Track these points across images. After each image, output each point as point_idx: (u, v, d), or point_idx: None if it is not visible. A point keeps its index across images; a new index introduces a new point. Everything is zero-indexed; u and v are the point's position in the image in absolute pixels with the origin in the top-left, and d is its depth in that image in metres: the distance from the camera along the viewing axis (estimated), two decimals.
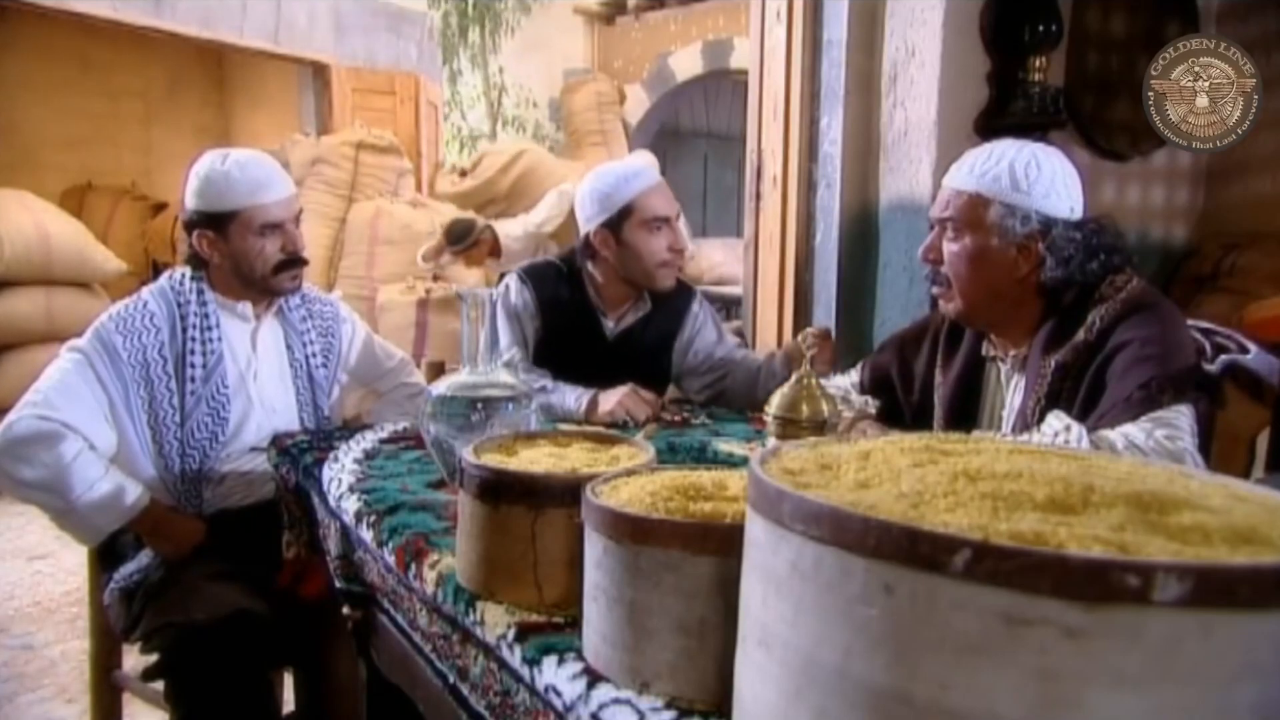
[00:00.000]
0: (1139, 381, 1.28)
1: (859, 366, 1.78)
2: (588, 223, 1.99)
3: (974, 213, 1.40)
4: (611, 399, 1.83)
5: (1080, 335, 1.38)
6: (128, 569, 1.75)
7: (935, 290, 1.51)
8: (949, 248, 1.45)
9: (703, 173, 8.83)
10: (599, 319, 2.05)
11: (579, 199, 2.03)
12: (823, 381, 1.30)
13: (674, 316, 2.11)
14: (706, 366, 2.11)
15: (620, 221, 1.95)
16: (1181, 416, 1.27)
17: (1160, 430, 1.23)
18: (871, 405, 1.69)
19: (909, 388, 1.67)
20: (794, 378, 1.26)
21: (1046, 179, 1.38)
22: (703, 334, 2.13)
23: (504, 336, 1.99)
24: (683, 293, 2.12)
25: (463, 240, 4.04)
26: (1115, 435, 1.24)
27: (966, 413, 1.56)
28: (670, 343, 2.11)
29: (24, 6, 4.71)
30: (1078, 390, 1.37)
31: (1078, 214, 1.41)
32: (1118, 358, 1.33)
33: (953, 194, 1.44)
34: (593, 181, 2.01)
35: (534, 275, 2.06)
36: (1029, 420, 1.40)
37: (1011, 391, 1.51)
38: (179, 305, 1.78)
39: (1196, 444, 1.27)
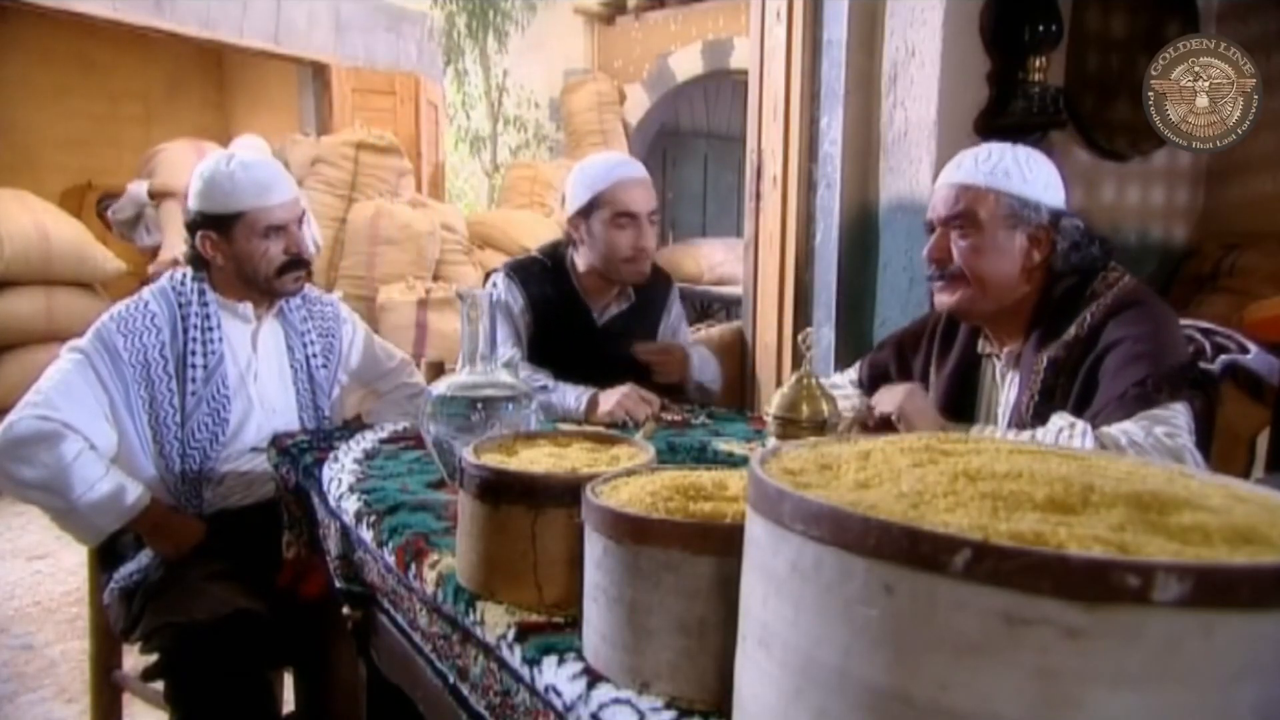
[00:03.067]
0: (1133, 379, 1.29)
1: (857, 365, 1.79)
2: (569, 209, 2.04)
3: (987, 206, 1.42)
4: (611, 399, 1.83)
5: (1072, 331, 1.40)
6: (128, 569, 1.75)
7: (939, 285, 1.50)
8: (961, 244, 1.45)
9: (703, 173, 8.82)
10: (587, 310, 2.07)
11: (567, 185, 2.09)
12: (822, 380, 1.30)
13: (656, 305, 2.16)
14: None
15: (590, 211, 1.98)
16: (1178, 415, 1.27)
17: (1159, 427, 1.24)
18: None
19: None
20: (794, 378, 1.26)
21: (1044, 173, 1.44)
22: (679, 329, 2.21)
23: (498, 335, 2.00)
24: (662, 282, 2.17)
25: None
26: (1115, 432, 1.24)
27: (962, 409, 1.57)
28: (654, 330, 2.16)
29: (24, 7, 4.71)
30: (1071, 386, 1.38)
31: (1064, 207, 1.47)
32: (1110, 355, 1.34)
33: (959, 190, 1.45)
34: (578, 169, 2.06)
35: (520, 271, 2.08)
36: (1023, 415, 1.41)
37: (1007, 388, 1.51)
38: (180, 305, 1.78)
39: (1194, 441, 1.28)
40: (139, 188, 4.87)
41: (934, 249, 1.49)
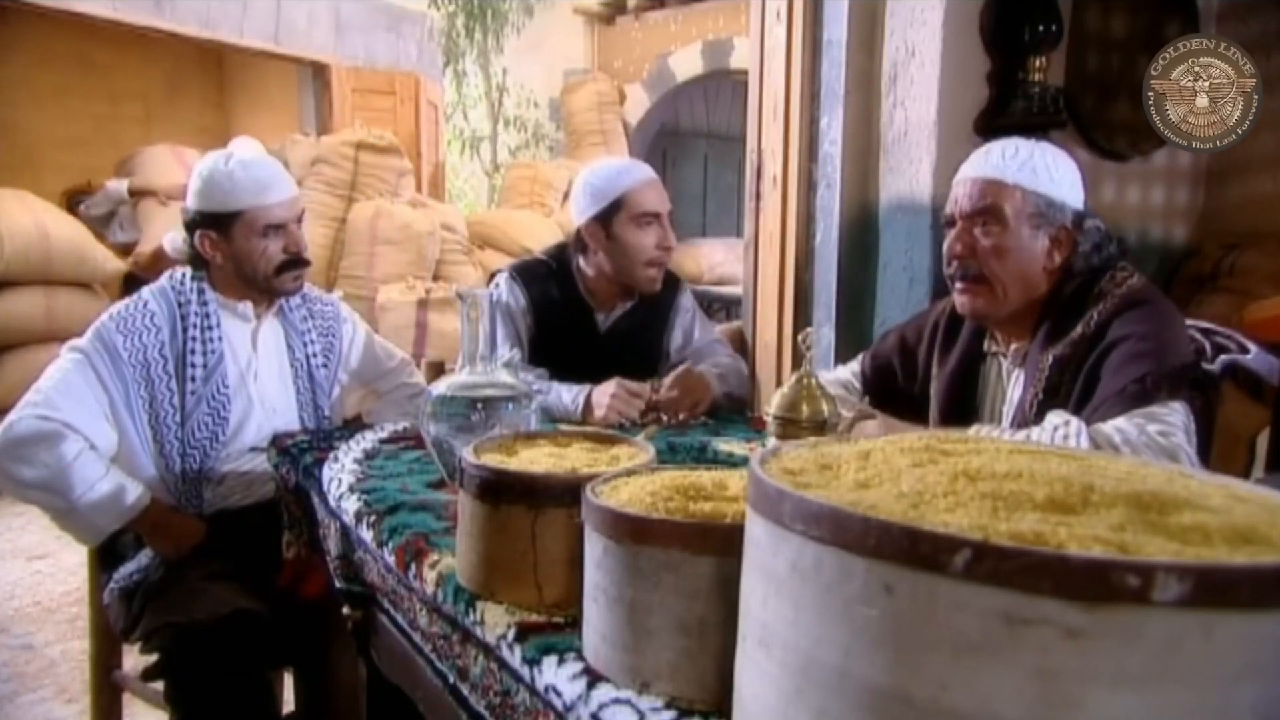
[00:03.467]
0: (1133, 377, 1.29)
1: (859, 357, 1.79)
2: (580, 215, 2.00)
3: (1012, 202, 1.41)
4: (603, 400, 1.82)
5: (1079, 329, 1.39)
6: (128, 569, 1.75)
7: (960, 286, 1.48)
8: (984, 242, 1.43)
9: (703, 173, 8.82)
10: (591, 314, 2.06)
11: (575, 192, 2.04)
12: (822, 373, 1.31)
13: (662, 309, 2.12)
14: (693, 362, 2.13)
15: (611, 215, 1.95)
16: (1175, 413, 1.27)
17: (1153, 425, 1.24)
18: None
19: (911, 376, 1.67)
20: (794, 377, 1.26)
21: (1069, 173, 1.43)
22: (692, 328, 2.15)
23: (498, 337, 1.99)
24: (670, 285, 2.13)
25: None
26: (1109, 429, 1.24)
27: (963, 406, 1.57)
28: (660, 335, 2.13)
29: (24, 7, 4.71)
30: (1075, 384, 1.38)
31: (1083, 206, 1.46)
32: (1113, 353, 1.34)
33: (984, 184, 1.43)
34: (588, 175, 2.02)
35: (524, 273, 2.06)
36: (1027, 414, 1.41)
37: (1013, 386, 1.51)
38: (180, 305, 1.78)
39: (1194, 444, 1.27)
40: (118, 186, 5.07)
41: (956, 243, 1.46)
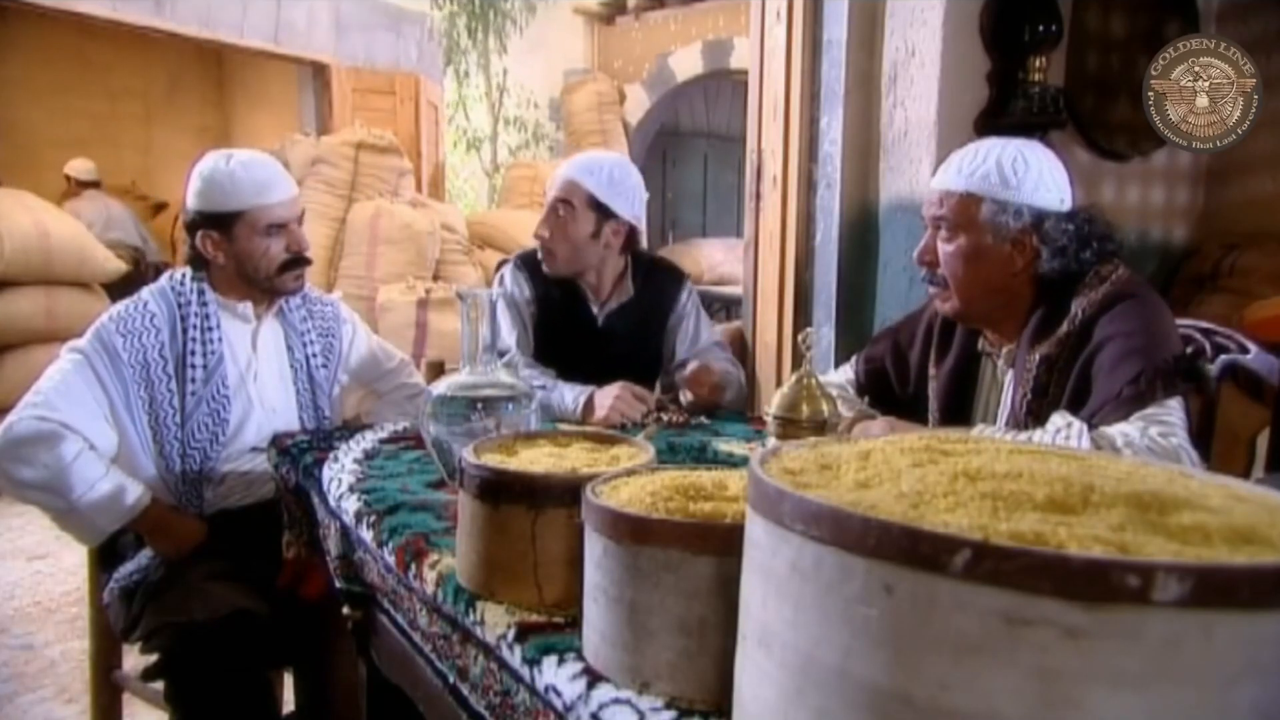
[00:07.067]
0: (1128, 377, 1.29)
1: (851, 362, 1.78)
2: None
3: (966, 213, 1.41)
4: (606, 402, 1.83)
5: (1064, 328, 1.39)
6: (128, 569, 1.75)
7: (932, 290, 1.52)
8: (944, 248, 1.45)
9: (703, 173, 8.83)
10: (588, 304, 2.07)
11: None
12: (821, 380, 1.31)
13: (662, 302, 2.13)
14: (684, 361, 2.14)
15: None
16: (1173, 412, 1.28)
17: (1154, 428, 1.24)
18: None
19: (904, 379, 1.67)
20: (794, 377, 1.26)
21: (1035, 173, 1.39)
22: (698, 329, 2.15)
23: (504, 325, 2.00)
24: (671, 279, 2.15)
25: None
26: (1112, 432, 1.25)
27: (961, 406, 1.57)
28: (660, 328, 2.13)
29: (24, 6, 4.72)
30: (1065, 383, 1.38)
31: (1067, 205, 1.42)
32: (1103, 352, 1.34)
33: (943, 194, 1.44)
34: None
35: (528, 263, 2.08)
36: (1018, 414, 1.41)
37: (1007, 386, 1.51)
38: (179, 306, 1.78)
39: (1190, 434, 1.28)
40: None
41: (922, 250, 1.49)
